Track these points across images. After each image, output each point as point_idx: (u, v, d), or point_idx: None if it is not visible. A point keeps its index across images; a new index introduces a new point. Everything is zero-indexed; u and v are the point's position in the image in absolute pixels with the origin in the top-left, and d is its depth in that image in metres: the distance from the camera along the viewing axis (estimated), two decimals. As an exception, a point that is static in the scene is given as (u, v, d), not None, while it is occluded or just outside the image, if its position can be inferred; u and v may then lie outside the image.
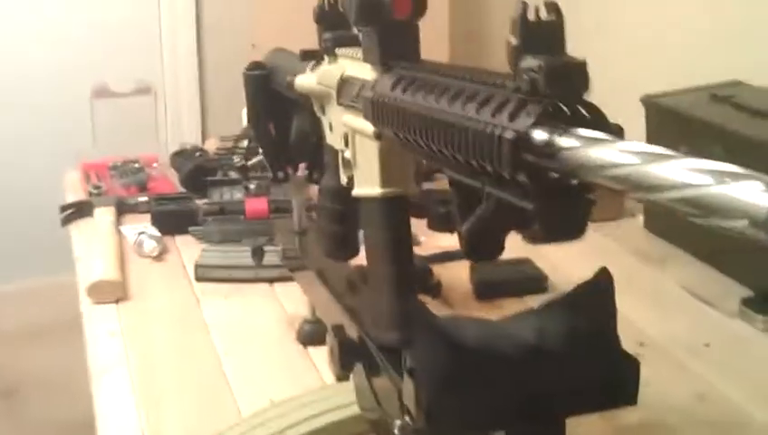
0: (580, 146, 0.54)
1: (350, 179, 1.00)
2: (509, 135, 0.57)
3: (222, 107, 2.17)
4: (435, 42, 2.34)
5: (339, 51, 0.97)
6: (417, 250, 1.33)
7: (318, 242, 1.11)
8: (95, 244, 1.57)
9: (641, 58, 1.91)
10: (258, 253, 1.28)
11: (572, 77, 0.57)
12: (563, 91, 0.57)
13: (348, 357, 0.95)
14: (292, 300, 1.37)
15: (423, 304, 0.75)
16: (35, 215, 2.36)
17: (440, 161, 0.71)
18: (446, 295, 1.38)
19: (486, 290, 1.37)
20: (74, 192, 1.88)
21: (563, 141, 0.55)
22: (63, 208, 1.74)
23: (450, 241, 1.52)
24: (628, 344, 1.24)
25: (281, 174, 1.24)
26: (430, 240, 1.53)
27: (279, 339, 1.28)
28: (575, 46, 0.59)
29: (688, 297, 1.37)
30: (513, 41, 0.59)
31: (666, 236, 1.55)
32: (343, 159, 0.99)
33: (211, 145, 1.91)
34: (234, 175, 1.66)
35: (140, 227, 1.59)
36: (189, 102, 2.24)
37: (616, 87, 1.49)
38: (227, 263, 1.44)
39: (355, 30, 0.99)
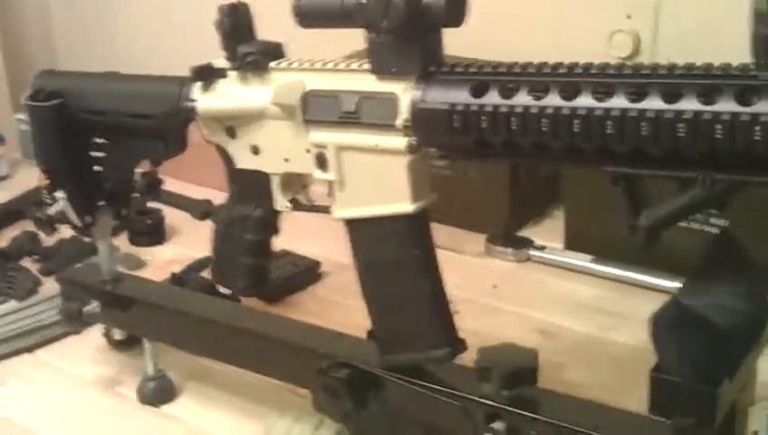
0: None
1: (295, 203, 0.91)
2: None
3: None
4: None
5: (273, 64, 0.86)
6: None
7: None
8: None
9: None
10: (77, 315, 1.06)
11: None
12: None
13: (362, 390, 0.87)
14: (79, 361, 1.18)
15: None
16: None
17: (589, 162, 0.70)
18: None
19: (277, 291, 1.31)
20: None
21: None
22: None
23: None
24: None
25: (89, 218, 1.04)
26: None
27: (113, 409, 1.09)
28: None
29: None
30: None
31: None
32: (288, 183, 0.89)
33: None
34: None
35: None
36: None
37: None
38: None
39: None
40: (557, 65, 0.72)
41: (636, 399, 0.76)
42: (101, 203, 1.05)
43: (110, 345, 1.17)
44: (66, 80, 1.02)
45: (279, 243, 1.00)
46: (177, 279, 1.32)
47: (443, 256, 0.84)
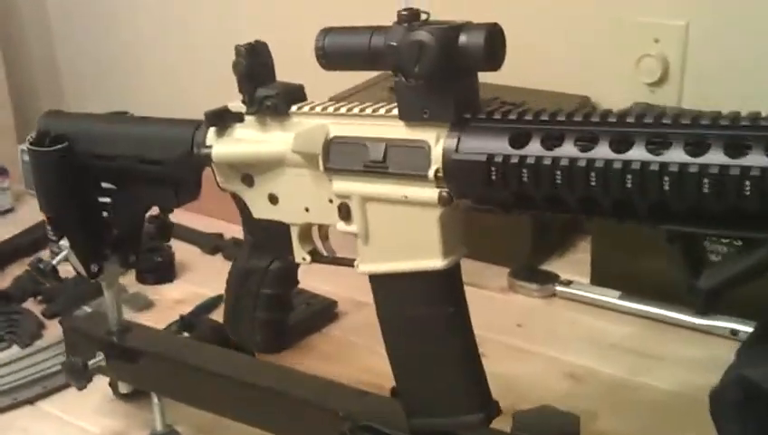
0: None
1: (315, 255, 0.85)
2: None
3: None
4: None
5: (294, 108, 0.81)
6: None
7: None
8: None
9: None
10: (81, 370, 1.00)
11: None
12: None
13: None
14: (83, 413, 1.12)
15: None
16: None
17: (651, 219, 0.64)
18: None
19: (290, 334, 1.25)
20: None
21: None
22: None
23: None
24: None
25: (95, 267, 0.98)
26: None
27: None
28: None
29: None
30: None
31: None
32: (308, 234, 0.84)
33: None
34: None
35: None
36: None
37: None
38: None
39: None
40: (606, 113, 0.66)
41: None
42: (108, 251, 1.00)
43: (115, 396, 1.11)
44: (72, 122, 0.96)
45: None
46: (185, 322, 1.26)
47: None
